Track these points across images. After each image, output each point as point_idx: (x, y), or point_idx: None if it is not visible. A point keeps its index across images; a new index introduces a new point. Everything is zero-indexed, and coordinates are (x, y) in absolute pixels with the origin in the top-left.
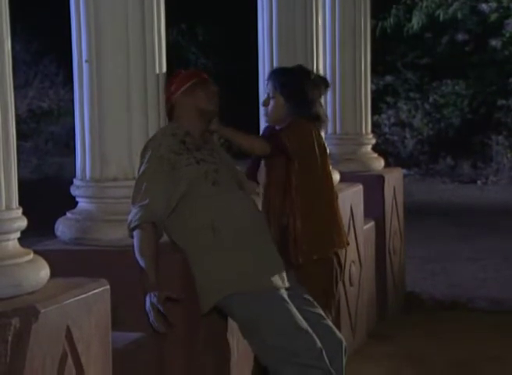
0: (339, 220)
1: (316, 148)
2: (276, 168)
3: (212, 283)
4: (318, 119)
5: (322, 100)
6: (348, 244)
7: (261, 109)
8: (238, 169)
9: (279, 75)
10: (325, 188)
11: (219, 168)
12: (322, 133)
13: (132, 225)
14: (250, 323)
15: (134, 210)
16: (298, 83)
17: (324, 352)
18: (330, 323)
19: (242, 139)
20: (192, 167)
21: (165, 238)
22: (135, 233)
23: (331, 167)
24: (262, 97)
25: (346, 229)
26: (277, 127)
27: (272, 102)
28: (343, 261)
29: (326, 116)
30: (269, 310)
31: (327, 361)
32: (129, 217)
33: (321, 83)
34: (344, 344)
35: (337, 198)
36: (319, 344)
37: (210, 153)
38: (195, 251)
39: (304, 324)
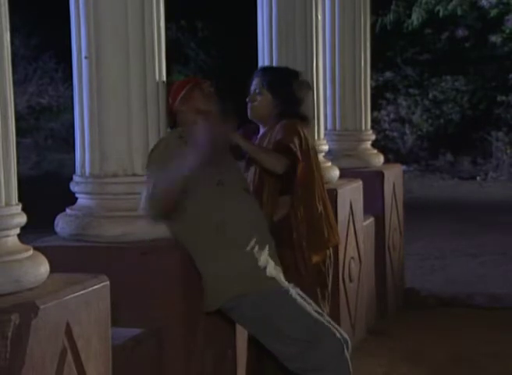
0: (332, 218)
1: (309, 147)
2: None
3: (221, 283)
4: (304, 119)
5: (315, 100)
6: (339, 243)
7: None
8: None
9: (267, 72)
10: (320, 187)
11: (225, 169)
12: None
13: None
14: (264, 321)
15: (145, 192)
16: (286, 82)
17: (346, 348)
18: (329, 319)
19: (259, 154)
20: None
21: (163, 235)
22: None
23: (330, 163)
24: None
25: (345, 225)
26: (260, 127)
27: (258, 98)
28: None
29: (313, 116)
30: (284, 306)
31: (347, 355)
32: (144, 195)
33: (307, 85)
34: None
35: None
36: (346, 335)
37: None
38: (202, 251)
39: (324, 319)
